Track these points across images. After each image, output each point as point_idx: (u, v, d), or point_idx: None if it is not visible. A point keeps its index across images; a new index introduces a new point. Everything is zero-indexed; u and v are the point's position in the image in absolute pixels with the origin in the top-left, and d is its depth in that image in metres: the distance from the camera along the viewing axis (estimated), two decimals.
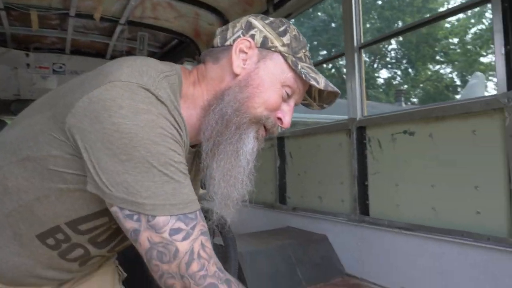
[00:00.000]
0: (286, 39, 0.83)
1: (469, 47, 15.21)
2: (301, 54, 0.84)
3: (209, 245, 0.68)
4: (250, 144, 0.81)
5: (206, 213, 0.79)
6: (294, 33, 0.85)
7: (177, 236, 0.65)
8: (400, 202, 2.15)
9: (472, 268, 1.69)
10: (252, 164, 0.83)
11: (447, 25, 15.26)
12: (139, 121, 0.64)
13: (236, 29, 0.84)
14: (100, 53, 4.56)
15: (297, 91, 0.85)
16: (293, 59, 0.81)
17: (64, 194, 0.72)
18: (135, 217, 0.65)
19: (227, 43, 0.83)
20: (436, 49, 16.10)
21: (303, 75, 0.80)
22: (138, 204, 0.64)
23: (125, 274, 1.05)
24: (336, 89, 0.84)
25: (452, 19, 14.96)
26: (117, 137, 0.63)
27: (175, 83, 0.76)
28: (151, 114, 0.65)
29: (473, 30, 15.07)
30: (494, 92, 1.78)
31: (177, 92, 0.76)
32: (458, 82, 15.46)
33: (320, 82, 0.81)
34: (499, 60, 1.67)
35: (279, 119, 0.84)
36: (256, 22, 0.83)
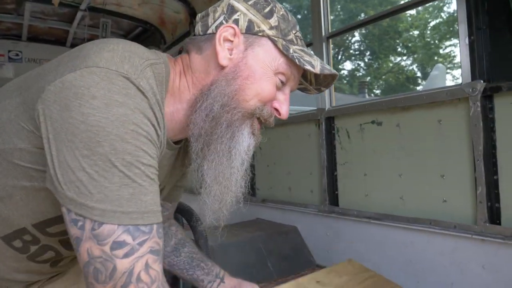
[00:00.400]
0: (273, 21, 0.75)
1: (428, 39, 15.70)
2: (291, 36, 0.77)
3: (157, 266, 0.59)
4: (245, 141, 0.75)
5: (193, 219, 0.74)
6: (281, 12, 0.77)
7: (118, 252, 0.56)
8: (369, 192, 2.17)
9: (439, 255, 1.72)
10: (248, 163, 0.77)
11: (408, 18, 15.68)
12: (110, 114, 0.57)
13: (217, 14, 0.76)
14: (60, 41, 4.35)
15: (292, 77, 0.78)
16: (284, 42, 0.74)
17: (30, 193, 0.65)
18: (80, 223, 0.56)
19: (209, 31, 0.76)
20: (398, 41, 16.53)
21: (296, 60, 0.73)
22: (87, 208, 0.56)
23: None
24: (333, 71, 0.77)
25: (412, 12, 15.36)
26: (83, 129, 0.56)
27: (162, 73, 0.69)
28: (126, 108, 0.58)
29: (432, 23, 15.55)
30: (453, 83, 1.81)
31: (164, 83, 0.69)
32: (418, 74, 15.96)
33: (316, 65, 0.75)
34: (464, 51, 1.70)
35: (276, 109, 0.78)
36: (238, 4, 0.76)
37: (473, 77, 1.66)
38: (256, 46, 0.74)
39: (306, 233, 2.51)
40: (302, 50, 0.77)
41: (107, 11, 3.69)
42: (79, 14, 3.67)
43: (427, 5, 12.82)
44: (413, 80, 17.04)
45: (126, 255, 0.56)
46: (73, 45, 4.35)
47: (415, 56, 16.41)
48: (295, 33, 0.78)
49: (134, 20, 3.92)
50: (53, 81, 0.59)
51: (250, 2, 0.76)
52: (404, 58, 17.06)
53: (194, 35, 0.79)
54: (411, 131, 1.95)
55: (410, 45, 16.39)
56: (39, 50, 4.31)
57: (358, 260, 1.97)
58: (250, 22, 0.75)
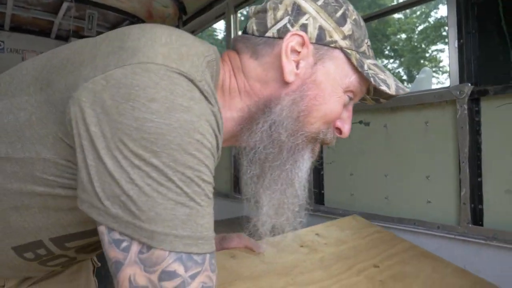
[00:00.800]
0: (347, 29, 0.64)
1: (415, 44, 15.90)
2: (364, 47, 0.67)
3: None
4: (306, 167, 0.67)
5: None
6: (354, 17, 0.66)
7: (167, 284, 0.46)
8: (355, 192, 2.18)
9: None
10: (307, 185, 0.69)
11: (396, 22, 15.84)
12: (173, 121, 0.47)
13: (279, 14, 0.64)
14: (44, 31, 4.25)
15: (359, 94, 0.69)
16: (358, 56, 0.65)
17: (50, 205, 0.56)
18: (124, 244, 0.47)
19: (269, 33, 0.64)
20: (386, 44, 16.69)
21: (372, 79, 0.64)
22: (134, 227, 0.46)
23: (98, 264, 0.93)
24: (406, 90, 0.69)
25: (400, 16, 15.54)
26: (136, 137, 0.46)
27: (213, 72, 0.58)
28: (191, 114, 0.48)
29: (420, 28, 15.74)
30: (438, 87, 1.83)
31: (214, 82, 0.58)
32: (405, 77, 16.15)
33: (391, 85, 0.66)
34: (453, 54, 1.71)
35: (337, 128, 0.69)
36: (306, 4, 0.64)
37: (461, 80, 1.68)
38: (327, 60, 0.64)
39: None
40: (376, 66, 0.68)
41: (94, 2, 3.62)
42: (64, 5, 3.59)
43: (414, 8, 12.98)
44: (400, 82, 17.21)
45: None
46: (58, 37, 4.26)
47: (402, 59, 16.60)
48: (367, 42, 0.69)
49: (121, 13, 3.86)
50: (92, 77, 0.49)
51: (319, 3, 0.65)
52: (391, 60, 17.23)
53: (246, 31, 0.68)
54: (398, 132, 1.96)
55: (397, 48, 16.57)
56: (22, 41, 4.20)
57: None
58: (321, 29, 0.63)
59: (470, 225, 1.59)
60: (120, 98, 0.47)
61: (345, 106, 0.69)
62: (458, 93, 1.66)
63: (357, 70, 0.65)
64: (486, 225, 1.57)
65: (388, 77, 0.67)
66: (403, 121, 1.94)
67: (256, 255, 1.01)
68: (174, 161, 0.47)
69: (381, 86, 0.65)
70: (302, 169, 0.66)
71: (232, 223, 2.76)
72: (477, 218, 1.60)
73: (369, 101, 0.76)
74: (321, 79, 0.64)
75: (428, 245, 1.71)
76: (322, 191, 2.39)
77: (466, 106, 1.64)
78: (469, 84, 1.63)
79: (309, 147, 0.67)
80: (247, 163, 0.65)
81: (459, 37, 1.70)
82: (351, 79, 0.66)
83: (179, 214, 0.47)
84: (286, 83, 0.63)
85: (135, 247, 0.46)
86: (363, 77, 0.66)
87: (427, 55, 15.52)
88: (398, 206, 1.93)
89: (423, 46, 15.70)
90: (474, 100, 1.64)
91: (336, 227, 1.34)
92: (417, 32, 15.78)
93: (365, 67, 0.65)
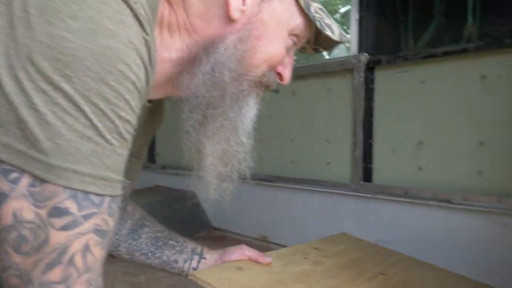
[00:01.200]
0: None
1: None
2: None
3: (97, 252, 0.46)
4: (251, 114, 0.64)
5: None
6: None
7: (56, 220, 0.42)
8: (263, 156, 2.26)
9: (321, 211, 1.88)
10: (252, 133, 0.66)
11: None
12: (95, 45, 0.41)
13: None
14: None
15: (303, 40, 0.66)
16: None
17: None
18: (14, 175, 0.41)
19: None
20: None
21: (318, 23, 0.61)
22: (28, 158, 0.41)
23: None
24: (348, 37, 0.67)
25: None
26: (48, 56, 0.40)
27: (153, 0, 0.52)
28: (117, 40, 0.43)
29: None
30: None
31: (152, 13, 0.51)
32: None
33: (335, 31, 0.63)
34: (354, 26, 1.84)
35: (278, 74, 0.66)
36: None
37: (359, 50, 1.81)
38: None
39: (204, 198, 2.55)
40: (322, 10, 0.65)
41: None
42: None
43: None
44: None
45: (65, 227, 0.43)
46: None
47: None
48: None
49: None
50: None
51: None
52: None
53: None
54: (305, 99, 2.07)
55: None
56: None
57: (250, 220, 2.07)
58: None
59: (361, 182, 1.75)
60: (34, 9, 0.41)
61: (287, 51, 0.65)
62: (356, 61, 1.79)
63: (304, 12, 0.62)
64: (374, 181, 1.74)
65: (332, 23, 0.65)
66: (309, 88, 2.05)
67: (264, 266, 0.95)
68: (88, 90, 0.41)
69: (326, 31, 0.62)
70: (247, 116, 0.63)
71: (145, 193, 2.73)
72: (367, 176, 1.76)
73: (309, 50, 0.73)
74: (267, 18, 0.59)
75: (326, 202, 1.86)
76: None
77: (362, 75, 1.78)
78: (366, 54, 1.77)
79: (254, 93, 0.63)
80: (188, 109, 0.60)
81: (360, 10, 1.82)
82: (297, 21, 0.62)
83: (83, 148, 0.42)
84: (230, 21, 0.58)
85: (25, 180, 0.41)
86: (308, 21, 0.63)
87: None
88: (302, 168, 2.05)
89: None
90: (370, 69, 1.79)
91: (330, 242, 1.37)
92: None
93: (312, 9, 0.62)
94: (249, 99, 0.63)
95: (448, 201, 1.48)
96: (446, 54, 1.53)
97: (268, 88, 0.66)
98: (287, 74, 0.66)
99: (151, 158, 3.09)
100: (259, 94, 0.66)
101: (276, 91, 2.33)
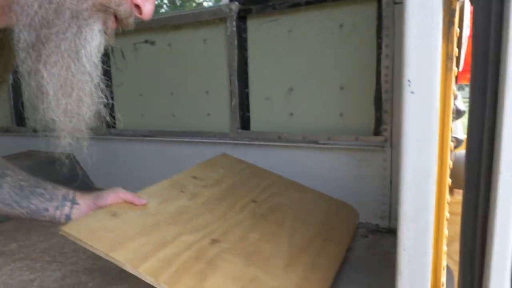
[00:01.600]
0: None
1: None
2: None
3: None
4: (95, 40, 0.58)
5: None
6: None
7: None
8: (144, 112, 2.20)
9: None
10: (100, 68, 0.60)
11: None
12: None
13: None
14: None
15: None
16: None
17: None
18: None
19: None
20: None
21: None
22: None
23: None
24: None
25: None
26: None
27: None
28: None
29: None
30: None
31: None
32: None
33: None
34: None
35: (137, 6, 0.61)
36: None
37: None
38: None
39: (83, 159, 2.41)
40: None
41: None
42: None
43: None
44: None
45: None
46: None
47: None
48: None
49: None
50: None
51: None
52: None
53: None
54: (181, 50, 2.03)
55: None
56: None
57: (133, 177, 2.03)
58: None
59: (239, 130, 1.82)
60: None
61: None
62: (228, 10, 1.79)
63: None
64: (252, 128, 1.82)
65: None
66: (185, 39, 2.00)
67: (139, 208, 0.94)
68: None
69: None
70: (90, 42, 0.58)
71: (18, 158, 2.49)
72: (245, 123, 1.84)
73: None
74: None
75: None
76: (113, 114, 2.34)
77: (235, 24, 1.79)
78: (237, 3, 1.77)
79: (99, 18, 0.58)
80: (19, 30, 0.54)
81: None
82: None
83: None
84: None
85: None
86: None
87: None
88: (184, 121, 2.05)
89: None
90: (242, 18, 1.80)
91: (211, 167, 1.36)
92: None
93: None
94: (92, 23, 0.57)
95: (316, 142, 1.63)
96: (308, 3, 1.61)
97: (121, 19, 0.61)
98: (147, 8, 0.61)
99: (20, 121, 2.79)
100: (108, 22, 0.61)
101: (152, 43, 2.23)
